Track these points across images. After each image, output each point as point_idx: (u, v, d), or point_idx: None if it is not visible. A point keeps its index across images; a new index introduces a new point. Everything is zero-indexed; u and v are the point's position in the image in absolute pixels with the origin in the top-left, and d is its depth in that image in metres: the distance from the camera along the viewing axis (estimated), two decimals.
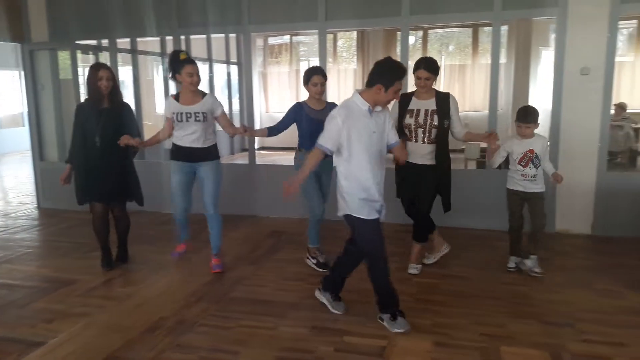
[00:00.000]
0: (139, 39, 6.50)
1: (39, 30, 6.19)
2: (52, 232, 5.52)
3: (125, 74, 7.47)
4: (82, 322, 3.26)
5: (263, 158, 6.39)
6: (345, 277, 3.36)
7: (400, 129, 3.78)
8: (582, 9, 4.64)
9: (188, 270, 4.18)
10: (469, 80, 10.45)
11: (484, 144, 5.84)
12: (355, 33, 10.76)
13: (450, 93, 3.87)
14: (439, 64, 3.82)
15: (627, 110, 8.14)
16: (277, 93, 11.44)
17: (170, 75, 3.86)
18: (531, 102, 8.92)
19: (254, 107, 5.97)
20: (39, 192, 6.58)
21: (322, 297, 3.39)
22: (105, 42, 6.20)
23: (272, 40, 11.30)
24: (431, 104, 3.76)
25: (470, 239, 4.80)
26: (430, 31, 10.44)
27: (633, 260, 4.13)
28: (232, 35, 9.24)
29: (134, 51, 6.43)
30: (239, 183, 5.90)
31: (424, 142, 3.78)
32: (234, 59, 9.97)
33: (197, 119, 3.80)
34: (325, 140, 2.95)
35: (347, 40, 11.76)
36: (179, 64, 3.74)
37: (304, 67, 11.18)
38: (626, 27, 9.56)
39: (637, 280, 3.75)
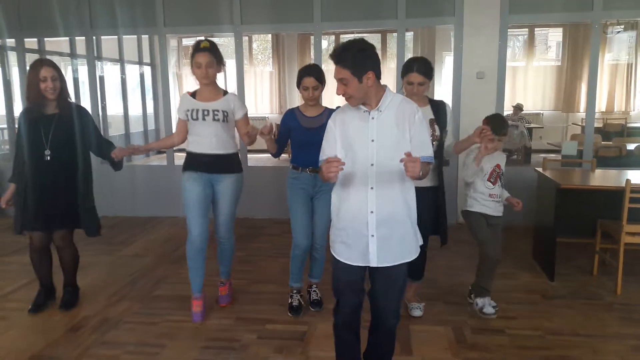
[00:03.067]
0: (47, 39, 6.26)
1: None
2: None
3: None
4: (1, 326, 3.19)
5: (179, 160, 6.38)
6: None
7: None
8: (476, 19, 5.15)
9: (107, 272, 4.14)
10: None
11: None
12: (270, 36, 10.94)
13: (446, 102, 3.29)
14: (432, 65, 3.17)
15: (523, 111, 8.99)
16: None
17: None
18: None
19: (171, 109, 5.96)
20: None
21: None
22: (10, 41, 5.91)
23: (186, 41, 11.18)
24: (428, 113, 3.13)
25: None
26: (342, 36, 10.84)
27: (525, 245, 4.63)
28: (145, 36, 9.06)
29: (41, 51, 6.17)
30: (157, 184, 5.87)
31: None
32: (147, 59, 9.77)
33: (216, 117, 3.13)
34: (322, 153, 2.29)
35: (262, 42, 11.91)
36: (192, 53, 3.10)
37: None
38: (521, 35, 10.57)
39: (528, 263, 4.26)
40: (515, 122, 8.51)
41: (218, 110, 3.14)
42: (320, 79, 3.21)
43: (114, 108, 7.76)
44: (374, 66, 2.11)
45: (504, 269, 4.10)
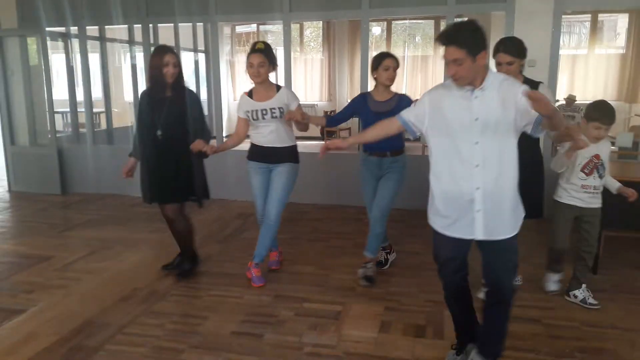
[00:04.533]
0: (107, 27, 6.62)
1: (8, 16, 6.25)
2: (25, 213, 5.62)
3: (93, 61, 7.57)
4: (60, 293, 3.49)
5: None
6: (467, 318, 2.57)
7: None
8: (528, 4, 5.00)
9: (159, 248, 4.38)
10: (431, 71, 10.83)
11: None
12: (321, 23, 11.00)
13: (543, 82, 3.16)
14: (524, 44, 3.11)
15: (580, 102, 8.63)
16: (246, 81, 11.56)
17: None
18: None
19: (221, 95, 6.17)
20: (9, 176, 6.65)
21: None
22: (74, 29, 6.29)
23: (239, 29, 11.42)
24: None
25: (420, 219, 5.12)
26: (395, 22, 10.76)
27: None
28: (200, 24, 9.35)
29: (102, 39, 6.53)
30: (210, 168, 6.09)
31: None
32: (201, 46, 10.07)
33: (274, 115, 3.45)
34: (407, 113, 2.39)
35: (314, 29, 11.98)
36: (248, 54, 3.44)
37: None
38: (586, 21, 10.08)
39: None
40: (571, 113, 8.20)
41: (275, 108, 3.47)
42: (398, 62, 3.48)
43: None
44: (486, 46, 2.15)
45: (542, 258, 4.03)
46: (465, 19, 9.82)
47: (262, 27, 11.20)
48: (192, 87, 9.54)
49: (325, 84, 11.11)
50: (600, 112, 3.05)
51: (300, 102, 3.62)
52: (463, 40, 2.11)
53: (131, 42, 7.11)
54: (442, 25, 10.12)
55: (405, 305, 3.28)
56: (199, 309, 3.24)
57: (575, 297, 3.30)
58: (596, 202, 3.19)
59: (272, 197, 3.55)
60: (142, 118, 3.51)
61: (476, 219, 2.23)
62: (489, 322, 2.43)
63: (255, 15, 6.12)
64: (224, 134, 6.37)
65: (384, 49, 10.84)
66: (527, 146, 2.91)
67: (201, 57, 10.10)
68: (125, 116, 8.94)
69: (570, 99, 8.42)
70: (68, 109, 7.02)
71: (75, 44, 6.35)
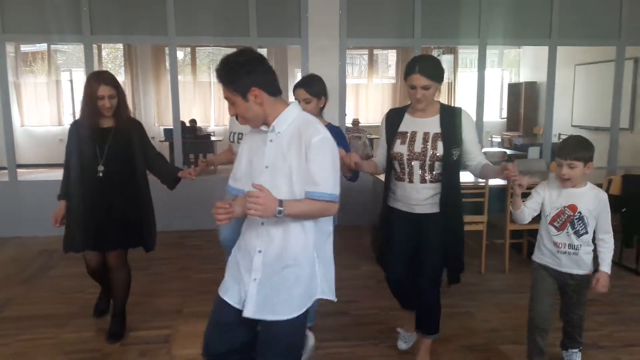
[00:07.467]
0: None
1: None
2: None
3: None
4: None
5: (23, 176, 6.00)
6: None
7: (388, 160, 2.67)
8: (319, 41, 5.70)
9: None
10: None
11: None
12: (121, 44, 10.61)
13: (463, 108, 2.60)
14: (441, 66, 2.56)
15: (363, 124, 9.96)
16: (35, 106, 10.51)
17: None
18: None
19: (11, 120, 5.59)
20: None
21: None
22: None
23: (25, 48, 10.32)
24: (433, 125, 2.55)
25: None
26: (197, 48, 10.94)
27: (367, 242, 5.26)
28: None
29: None
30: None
31: (423, 181, 2.54)
32: None
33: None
34: (231, 176, 2.01)
35: (112, 50, 11.45)
36: None
37: (65, 77, 10.58)
38: (362, 54, 11.62)
39: (369, 256, 4.83)
40: (358, 134, 9.43)
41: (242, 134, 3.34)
42: (313, 92, 2.95)
43: None
44: (260, 81, 1.79)
45: (350, 261, 4.63)
46: (265, 49, 10.57)
47: (52, 46, 10.30)
48: None
49: (130, 106, 10.70)
50: (560, 145, 2.48)
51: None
52: (224, 78, 1.77)
53: None
54: None
55: None
56: (7, 357, 2.94)
57: None
58: (579, 267, 2.47)
59: None
60: (79, 152, 3.01)
61: (249, 290, 1.83)
62: None
63: (50, 36, 5.69)
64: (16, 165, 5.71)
65: (189, 73, 10.95)
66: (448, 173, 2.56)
67: None
68: None
69: (356, 122, 9.69)
70: None
71: None
